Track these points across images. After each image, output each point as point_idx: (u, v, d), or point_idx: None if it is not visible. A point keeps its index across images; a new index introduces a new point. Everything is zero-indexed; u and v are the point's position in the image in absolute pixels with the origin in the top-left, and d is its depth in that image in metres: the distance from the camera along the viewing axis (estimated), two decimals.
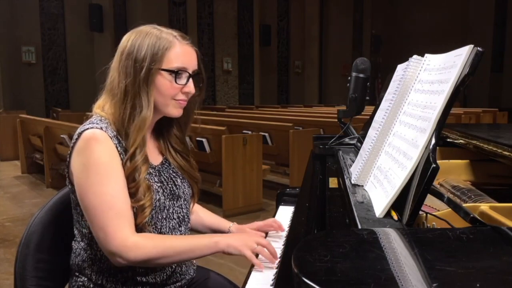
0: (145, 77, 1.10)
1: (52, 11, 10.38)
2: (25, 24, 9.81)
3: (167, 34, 1.14)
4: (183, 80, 1.15)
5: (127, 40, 1.15)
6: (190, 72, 1.16)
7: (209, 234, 1.13)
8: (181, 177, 1.25)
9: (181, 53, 1.14)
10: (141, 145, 1.11)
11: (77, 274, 1.18)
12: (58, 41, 10.54)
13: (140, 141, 1.11)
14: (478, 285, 0.49)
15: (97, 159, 1.07)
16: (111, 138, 1.10)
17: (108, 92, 1.16)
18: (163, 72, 1.12)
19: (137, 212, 1.09)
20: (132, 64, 1.11)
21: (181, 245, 1.09)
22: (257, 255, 1.11)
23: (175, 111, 1.17)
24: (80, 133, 1.10)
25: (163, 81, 1.13)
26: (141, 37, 1.13)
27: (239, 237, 1.13)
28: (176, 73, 1.13)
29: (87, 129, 1.09)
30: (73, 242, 1.20)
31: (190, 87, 1.16)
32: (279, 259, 1.13)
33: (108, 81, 1.17)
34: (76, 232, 1.19)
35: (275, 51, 14.54)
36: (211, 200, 4.28)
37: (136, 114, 1.11)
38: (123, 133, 1.11)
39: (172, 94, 1.14)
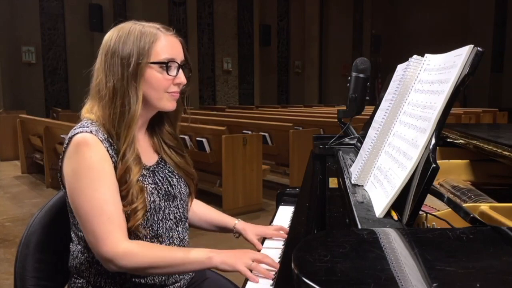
0: (134, 72, 1.09)
1: (52, 11, 10.38)
2: (25, 24, 9.81)
3: (150, 28, 1.13)
4: (173, 71, 1.13)
5: (109, 39, 1.12)
6: (179, 62, 1.15)
7: (204, 249, 1.10)
8: (177, 177, 1.24)
9: (168, 44, 1.13)
10: (130, 144, 1.09)
11: (76, 276, 1.18)
12: (58, 41, 10.54)
13: (130, 139, 1.09)
14: (478, 285, 0.49)
15: (88, 163, 1.05)
16: (102, 142, 1.08)
17: (95, 95, 1.14)
18: (152, 65, 1.11)
19: (129, 215, 1.07)
20: (119, 62, 1.09)
21: (173, 257, 1.07)
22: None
23: (169, 104, 1.16)
24: (71, 138, 1.08)
25: (154, 74, 1.11)
26: (124, 34, 1.11)
27: (234, 253, 1.10)
28: (166, 64, 1.12)
29: (78, 133, 1.07)
30: (71, 244, 1.20)
31: (181, 78, 1.15)
32: (278, 260, 1.13)
33: (93, 84, 1.14)
34: (73, 235, 1.18)
35: (275, 51, 14.54)
36: (211, 200, 4.27)
37: (126, 112, 1.09)
38: (114, 134, 1.09)
39: (165, 87, 1.13)
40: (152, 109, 1.17)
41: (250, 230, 1.34)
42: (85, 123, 1.11)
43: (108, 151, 1.08)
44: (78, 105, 1.22)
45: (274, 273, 1.07)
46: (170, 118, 1.25)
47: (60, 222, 1.25)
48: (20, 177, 6.10)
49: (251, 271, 1.07)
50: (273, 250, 1.27)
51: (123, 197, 1.08)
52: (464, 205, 0.89)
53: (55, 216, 1.26)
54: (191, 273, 1.27)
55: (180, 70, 1.15)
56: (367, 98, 1.75)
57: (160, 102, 1.14)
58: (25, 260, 1.20)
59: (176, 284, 1.21)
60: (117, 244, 1.04)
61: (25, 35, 9.85)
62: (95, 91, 1.14)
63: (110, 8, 10.37)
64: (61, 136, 5.02)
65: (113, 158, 1.09)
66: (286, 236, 1.32)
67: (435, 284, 0.49)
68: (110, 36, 1.13)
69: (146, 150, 1.21)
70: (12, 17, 9.61)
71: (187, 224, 1.27)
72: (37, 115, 7.51)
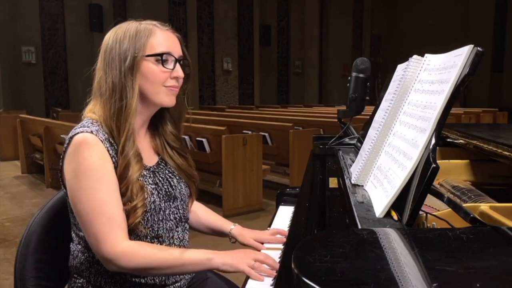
0: (130, 66, 1.10)
1: (52, 11, 10.38)
2: (25, 24, 9.80)
3: (146, 24, 1.15)
4: (170, 65, 1.14)
5: (108, 38, 1.15)
6: (176, 57, 1.15)
7: (204, 250, 1.10)
8: (177, 177, 1.24)
9: (163, 39, 1.14)
10: (129, 137, 1.10)
11: (76, 275, 1.18)
12: (58, 41, 10.53)
13: (129, 132, 1.10)
14: (478, 285, 0.49)
15: (88, 164, 1.06)
16: (103, 142, 1.08)
17: (96, 93, 1.16)
18: (148, 58, 1.12)
19: (129, 212, 1.08)
20: (116, 58, 1.11)
21: (173, 259, 1.07)
22: None
23: (167, 99, 1.16)
24: (71, 138, 1.09)
25: (150, 67, 1.12)
26: (121, 32, 1.13)
27: (236, 254, 1.10)
28: (161, 57, 1.13)
29: (78, 133, 1.08)
30: (71, 244, 1.20)
31: (178, 71, 1.15)
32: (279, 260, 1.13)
33: (95, 83, 1.16)
34: (73, 234, 1.18)
35: (275, 51, 14.54)
36: (211, 200, 4.28)
37: (123, 105, 1.10)
38: (114, 130, 1.10)
39: (162, 80, 1.14)
40: (151, 105, 1.17)
41: (247, 234, 1.33)
42: (86, 122, 1.12)
43: (108, 151, 1.09)
44: (78, 105, 1.24)
45: (275, 271, 1.07)
46: (173, 118, 1.25)
47: (60, 222, 1.25)
48: (20, 177, 6.10)
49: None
50: (273, 251, 1.26)
51: (123, 194, 1.08)
52: (464, 205, 0.89)
53: (55, 216, 1.26)
54: (191, 273, 1.27)
55: (178, 64, 1.16)
56: (367, 98, 1.75)
57: (157, 96, 1.14)
58: (25, 260, 1.20)
59: (176, 284, 1.21)
60: (117, 244, 1.04)
61: (25, 35, 9.84)
62: (96, 89, 1.15)
63: (110, 8, 10.37)
64: (61, 136, 5.02)
65: (113, 159, 1.09)
66: (283, 239, 1.31)
67: (435, 284, 0.49)
68: (109, 35, 1.16)
69: (146, 150, 1.21)
70: (12, 17, 9.60)
71: (187, 225, 1.27)
72: (37, 115, 7.51)
